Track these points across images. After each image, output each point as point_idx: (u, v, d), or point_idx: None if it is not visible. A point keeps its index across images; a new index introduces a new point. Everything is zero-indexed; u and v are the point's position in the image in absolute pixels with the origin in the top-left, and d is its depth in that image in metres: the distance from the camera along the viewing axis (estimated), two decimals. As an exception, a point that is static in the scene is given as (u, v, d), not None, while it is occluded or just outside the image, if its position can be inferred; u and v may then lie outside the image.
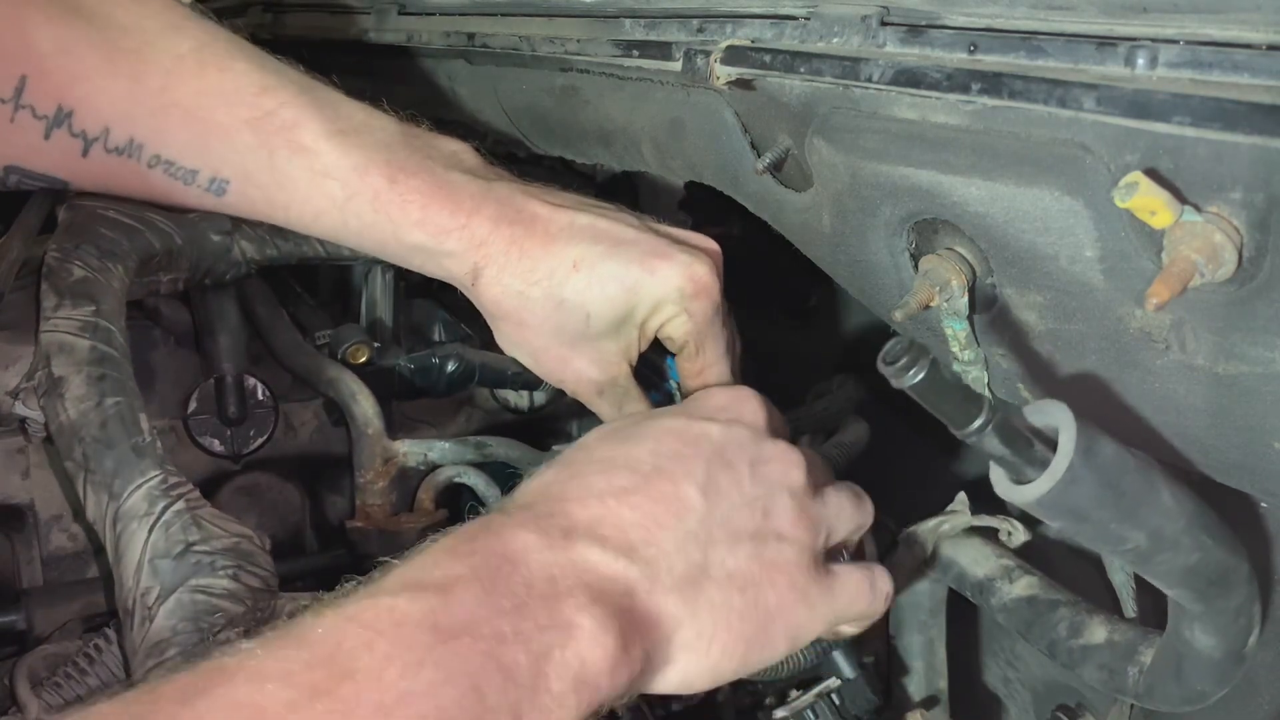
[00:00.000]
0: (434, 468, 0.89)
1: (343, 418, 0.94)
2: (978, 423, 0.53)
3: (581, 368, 0.82)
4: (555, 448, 0.96)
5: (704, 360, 0.84)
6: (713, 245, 0.83)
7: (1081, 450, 0.53)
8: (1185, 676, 0.68)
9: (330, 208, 0.75)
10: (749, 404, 0.73)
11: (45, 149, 0.72)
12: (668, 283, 0.79)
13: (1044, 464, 0.54)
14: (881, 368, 0.53)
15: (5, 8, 0.69)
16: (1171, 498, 0.56)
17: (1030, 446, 0.54)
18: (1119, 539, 0.57)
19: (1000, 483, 0.56)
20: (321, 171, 0.74)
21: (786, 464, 0.70)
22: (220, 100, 0.73)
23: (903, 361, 0.52)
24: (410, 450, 0.88)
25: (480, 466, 0.91)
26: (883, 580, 0.74)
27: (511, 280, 0.78)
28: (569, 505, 0.63)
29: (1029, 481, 0.54)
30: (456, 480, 0.89)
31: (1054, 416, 0.54)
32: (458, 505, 0.96)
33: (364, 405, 0.88)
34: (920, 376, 0.52)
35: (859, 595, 0.72)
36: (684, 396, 0.88)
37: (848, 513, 0.74)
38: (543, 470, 0.67)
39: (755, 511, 0.67)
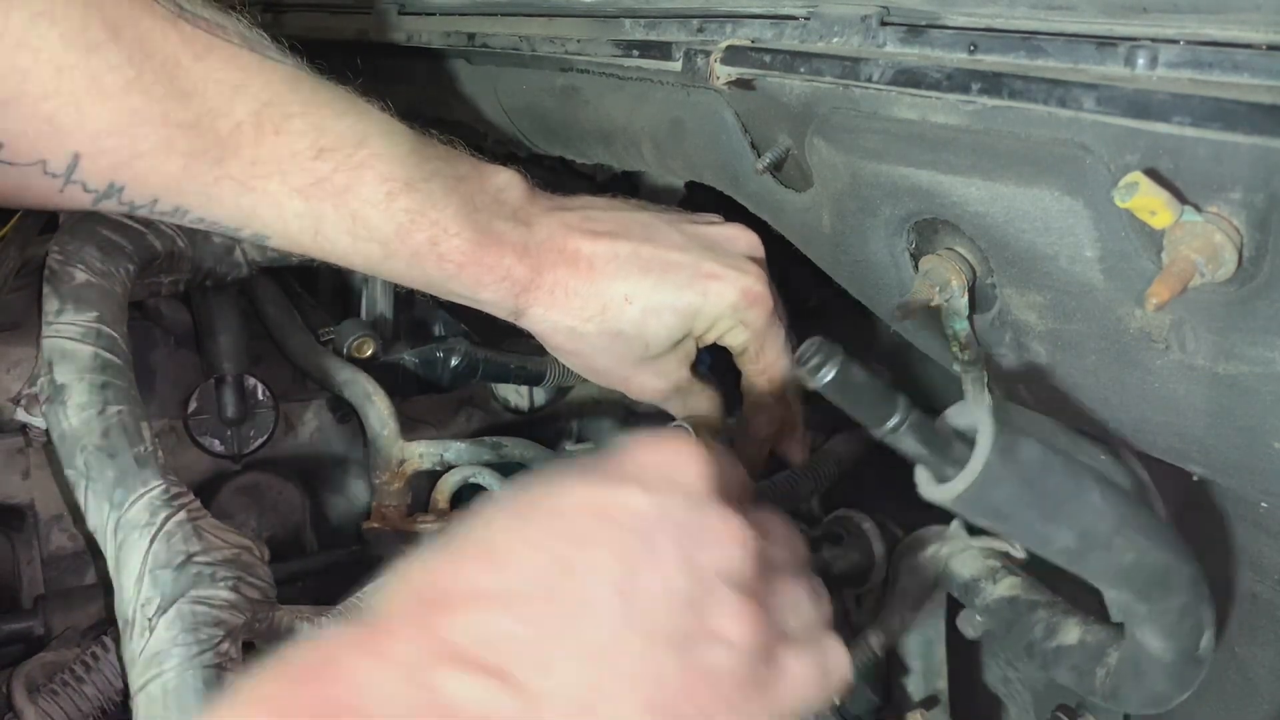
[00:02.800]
0: (448, 468, 0.89)
1: (346, 416, 0.94)
2: (892, 421, 0.54)
3: (645, 382, 0.85)
4: (569, 448, 0.96)
5: (766, 360, 0.86)
6: (753, 238, 0.85)
7: (999, 450, 0.53)
8: (1144, 678, 0.68)
9: (367, 265, 0.77)
10: (688, 462, 0.57)
11: (91, 209, 0.72)
12: (722, 300, 0.82)
13: (963, 463, 0.54)
14: (795, 368, 0.53)
15: (64, 83, 0.65)
16: (1101, 498, 0.57)
17: (949, 446, 0.55)
18: (1046, 538, 0.57)
19: (923, 483, 0.57)
20: (364, 236, 0.75)
21: (729, 545, 0.55)
22: (274, 169, 0.72)
23: (814, 361, 0.52)
24: (426, 451, 0.88)
25: (494, 467, 0.91)
26: (836, 657, 0.61)
27: (561, 317, 0.80)
28: (439, 614, 0.50)
29: (949, 481, 0.55)
30: (471, 481, 0.89)
31: (974, 417, 0.55)
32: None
33: (379, 407, 0.88)
34: (832, 375, 0.52)
35: (808, 688, 0.58)
36: (746, 397, 0.91)
37: (803, 608, 0.60)
38: (427, 554, 0.54)
39: (685, 610, 0.53)
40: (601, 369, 0.84)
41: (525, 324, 0.81)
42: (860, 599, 0.99)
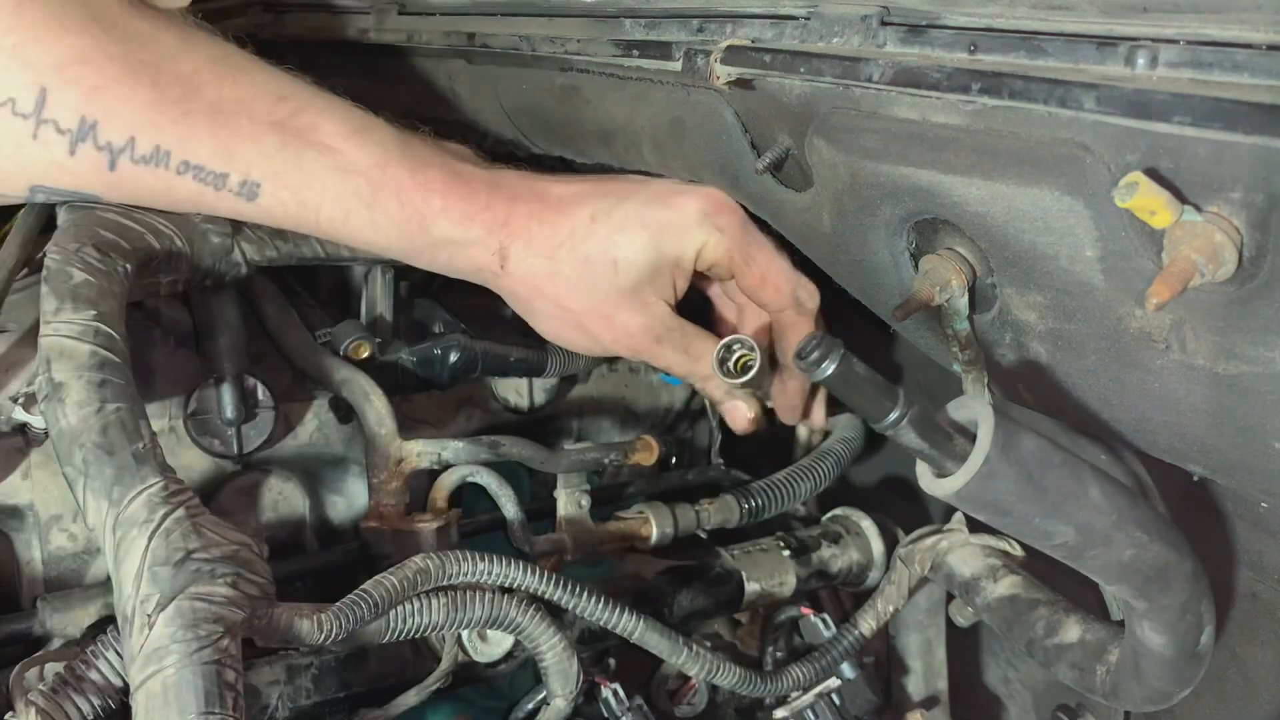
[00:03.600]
0: (446, 467, 0.89)
1: (346, 416, 0.94)
2: (893, 416, 0.54)
3: (625, 320, 0.83)
4: (568, 447, 0.96)
5: (759, 267, 0.84)
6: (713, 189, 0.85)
7: (999, 445, 0.53)
8: (1144, 675, 0.68)
9: (359, 206, 0.76)
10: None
11: (71, 165, 0.71)
12: (687, 208, 0.82)
13: (963, 457, 0.54)
14: (795, 362, 0.54)
15: (24, 17, 0.68)
16: (1101, 493, 0.57)
17: (950, 440, 0.55)
18: (1045, 533, 0.57)
19: (924, 476, 0.57)
20: (347, 169, 0.75)
21: None
22: (241, 106, 0.73)
23: (815, 355, 0.53)
24: (424, 450, 0.88)
25: (492, 466, 0.91)
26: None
27: (538, 254, 0.80)
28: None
29: (950, 475, 0.55)
30: (470, 480, 0.89)
31: (975, 411, 0.55)
32: (470, 504, 0.96)
33: (377, 406, 0.88)
34: (832, 369, 0.53)
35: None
36: (770, 330, 0.89)
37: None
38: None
39: None
40: (580, 313, 0.82)
41: (507, 274, 0.81)
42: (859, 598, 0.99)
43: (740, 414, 0.91)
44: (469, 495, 0.95)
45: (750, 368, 0.85)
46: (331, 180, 0.75)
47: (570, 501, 0.92)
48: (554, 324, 0.85)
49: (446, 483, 0.88)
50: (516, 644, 0.81)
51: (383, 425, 0.88)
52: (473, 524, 0.93)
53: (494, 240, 0.80)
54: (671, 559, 0.97)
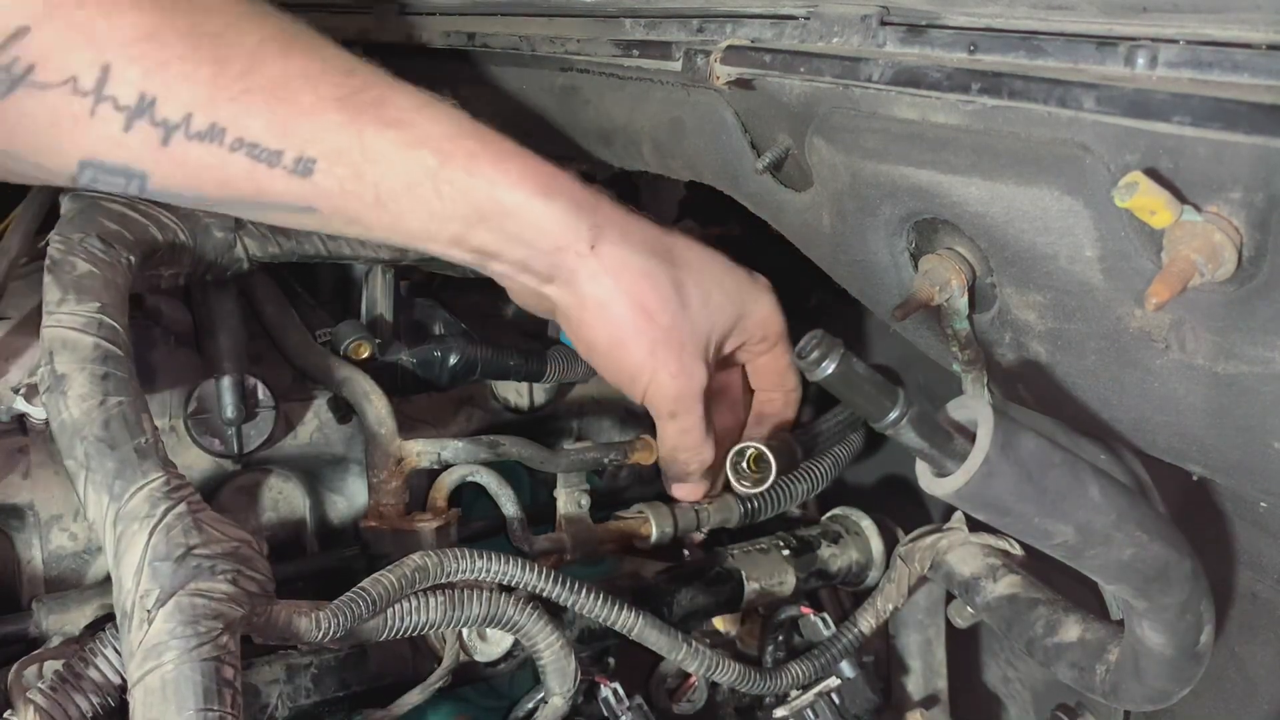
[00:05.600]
0: (446, 467, 0.89)
1: (346, 416, 0.94)
2: (893, 415, 0.54)
3: (691, 364, 0.81)
4: (568, 447, 0.96)
5: (788, 353, 0.89)
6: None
7: (999, 444, 0.53)
8: (1144, 675, 0.68)
9: (423, 178, 0.72)
10: None
11: (124, 140, 0.69)
12: (759, 279, 0.86)
13: (963, 457, 0.54)
14: (796, 361, 0.54)
15: None
16: (1100, 493, 0.57)
17: (950, 440, 0.55)
18: (1045, 533, 0.57)
19: (923, 476, 0.57)
20: (413, 142, 0.72)
21: None
22: (306, 82, 0.71)
23: (815, 354, 0.53)
24: (424, 450, 0.88)
25: (493, 465, 0.91)
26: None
27: (635, 249, 0.77)
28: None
29: (949, 474, 0.55)
30: (470, 479, 0.89)
31: (974, 411, 0.55)
32: (471, 504, 0.96)
33: (377, 405, 0.88)
34: (833, 368, 0.53)
35: None
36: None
37: None
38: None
39: None
40: (666, 327, 0.79)
41: (598, 254, 0.76)
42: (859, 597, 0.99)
43: (688, 492, 0.93)
44: (470, 496, 0.95)
45: (764, 479, 0.89)
46: (394, 155, 0.72)
47: (570, 501, 0.92)
48: (615, 331, 0.79)
49: (446, 482, 0.88)
50: (516, 643, 0.81)
51: (383, 425, 0.88)
52: (471, 530, 0.93)
53: (584, 219, 0.75)
54: (671, 558, 0.98)
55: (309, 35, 0.74)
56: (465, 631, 0.79)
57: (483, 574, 0.74)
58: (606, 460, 0.92)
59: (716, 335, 0.83)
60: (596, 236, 0.75)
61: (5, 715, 0.65)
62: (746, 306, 0.85)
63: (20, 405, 0.77)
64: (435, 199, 0.73)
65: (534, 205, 0.74)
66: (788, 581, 0.96)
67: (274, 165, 0.71)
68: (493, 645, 0.81)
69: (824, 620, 0.95)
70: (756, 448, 0.88)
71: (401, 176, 0.72)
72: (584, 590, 0.78)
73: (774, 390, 0.93)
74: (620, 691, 0.85)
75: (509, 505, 0.88)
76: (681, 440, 0.85)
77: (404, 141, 0.72)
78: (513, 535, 0.88)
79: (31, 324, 0.76)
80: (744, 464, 0.89)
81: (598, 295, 0.77)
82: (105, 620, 0.79)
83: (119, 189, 0.71)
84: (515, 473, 0.96)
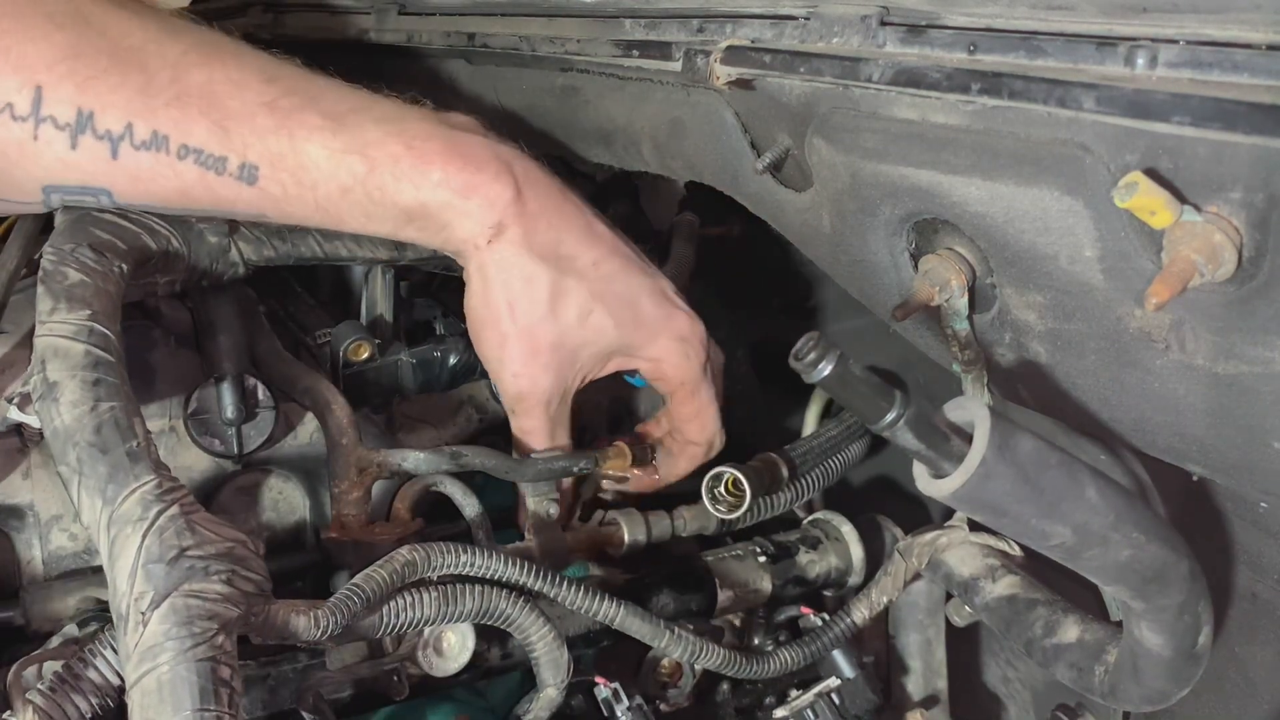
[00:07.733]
0: (409, 477, 0.88)
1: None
2: (890, 417, 0.54)
3: (542, 368, 0.83)
4: (535, 455, 0.93)
5: (698, 404, 0.89)
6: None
7: (996, 445, 0.53)
8: (1142, 675, 0.68)
9: (354, 184, 0.75)
10: None
11: (75, 159, 0.71)
12: (674, 321, 0.86)
13: (960, 458, 0.54)
14: (792, 363, 0.54)
15: (12, 20, 0.68)
16: (1098, 494, 0.57)
17: (947, 441, 0.55)
18: (1043, 534, 0.57)
19: (920, 477, 0.57)
20: (341, 149, 0.75)
21: None
22: (231, 88, 0.73)
23: (811, 357, 0.53)
24: (385, 460, 0.86)
25: (458, 475, 0.89)
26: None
27: (526, 249, 0.79)
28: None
29: (946, 476, 0.55)
30: (434, 489, 0.88)
31: (971, 412, 0.55)
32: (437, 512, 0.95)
33: (338, 415, 0.86)
34: (828, 371, 0.53)
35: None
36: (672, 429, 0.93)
37: None
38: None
39: None
40: (521, 329, 0.82)
41: (493, 250, 0.79)
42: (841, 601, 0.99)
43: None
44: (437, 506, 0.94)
45: (740, 504, 0.88)
46: (324, 160, 0.74)
47: (538, 509, 0.90)
48: (477, 319, 0.83)
49: (410, 493, 0.87)
50: (475, 656, 0.80)
51: (344, 435, 0.86)
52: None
53: (492, 217, 0.78)
54: (644, 565, 0.96)
55: (228, 44, 0.76)
56: (420, 649, 0.79)
57: (468, 568, 0.75)
58: (576, 468, 0.90)
59: (588, 353, 0.84)
60: (496, 235, 0.79)
61: (5, 715, 0.65)
62: (636, 340, 0.85)
63: (15, 415, 0.77)
64: (368, 202, 0.77)
65: (453, 205, 0.77)
66: (763, 589, 0.95)
67: (221, 173, 0.74)
68: (449, 660, 0.80)
69: (824, 620, 0.95)
70: (732, 472, 0.87)
71: (335, 182, 0.75)
72: (565, 584, 0.78)
73: (688, 438, 0.93)
74: (620, 691, 0.85)
75: (472, 512, 0.87)
76: (524, 438, 0.88)
77: (335, 148, 0.75)
78: (477, 542, 0.86)
79: (29, 338, 0.76)
80: (720, 488, 0.88)
81: (475, 285, 0.82)
82: (92, 609, 0.80)
83: (94, 205, 0.72)
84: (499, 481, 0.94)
